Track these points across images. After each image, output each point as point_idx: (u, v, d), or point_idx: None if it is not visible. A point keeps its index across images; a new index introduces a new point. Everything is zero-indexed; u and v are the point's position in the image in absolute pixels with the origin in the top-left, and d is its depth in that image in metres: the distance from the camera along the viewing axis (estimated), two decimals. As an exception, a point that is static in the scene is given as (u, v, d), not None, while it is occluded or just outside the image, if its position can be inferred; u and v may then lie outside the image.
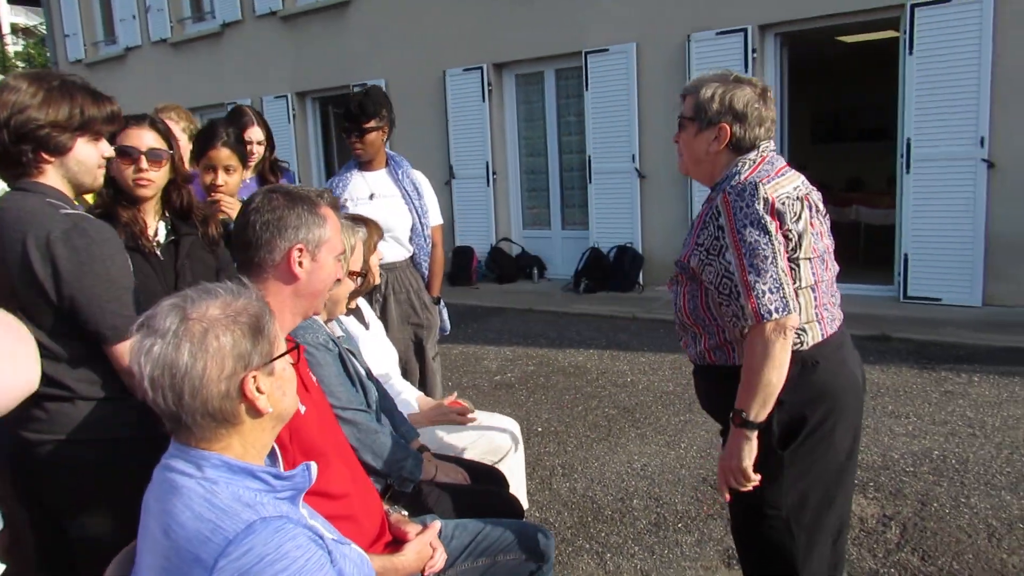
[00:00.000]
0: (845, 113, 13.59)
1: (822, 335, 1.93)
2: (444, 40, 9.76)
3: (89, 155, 1.88)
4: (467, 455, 2.69)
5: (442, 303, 3.88)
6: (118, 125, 1.97)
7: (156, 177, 2.23)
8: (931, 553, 2.97)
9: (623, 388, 5.25)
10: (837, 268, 2.05)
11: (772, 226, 1.81)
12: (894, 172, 9.95)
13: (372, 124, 3.46)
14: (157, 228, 2.31)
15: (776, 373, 1.81)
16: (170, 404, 1.19)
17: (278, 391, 1.28)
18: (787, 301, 1.79)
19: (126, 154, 2.15)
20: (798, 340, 1.88)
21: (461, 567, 1.99)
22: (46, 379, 1.81)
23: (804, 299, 1.88)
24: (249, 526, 1.12)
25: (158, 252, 2.26)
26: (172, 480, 1.21)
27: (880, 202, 9.11)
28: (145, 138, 2.24)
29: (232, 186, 2.82)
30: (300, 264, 1.75)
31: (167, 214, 2.33)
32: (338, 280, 1.92)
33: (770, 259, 1.79)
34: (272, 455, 1.37)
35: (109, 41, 14.30)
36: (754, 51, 7.62)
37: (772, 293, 1.78)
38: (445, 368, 5.80)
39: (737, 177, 1.91)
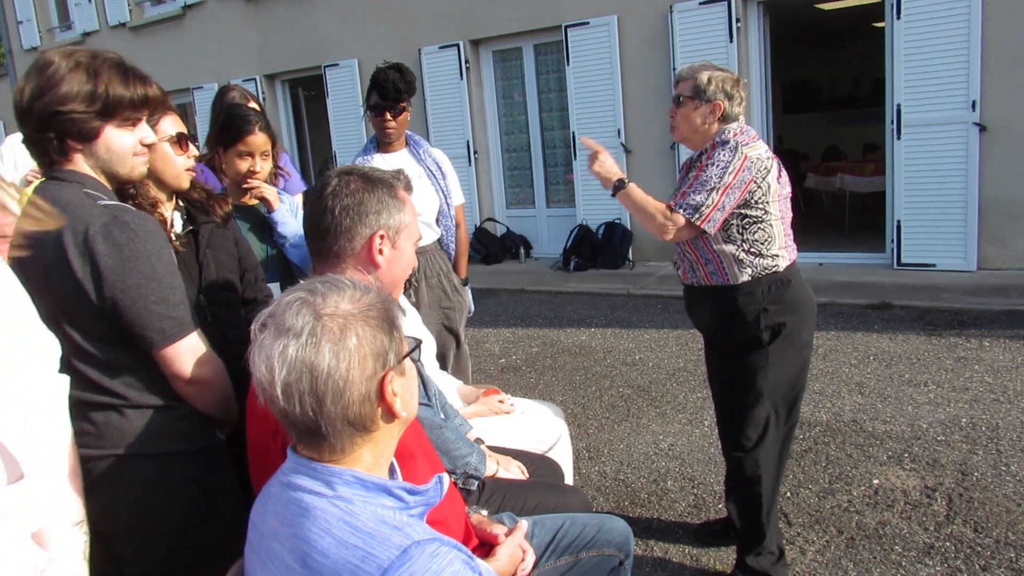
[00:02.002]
0: (816, 82, 13.63)
1: (789, 260, 2.54)
2: (418, 17, 9.50)
3: (121, 142, 1.69)
4: (517, 445, 2.56)
5: (468, 284, 3.76)
6: (153, 110, 1.77)
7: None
8: (983, 524, 2.93)
9: (633, 367, 5.16)
10: (791, 214, 2.60)
11: (733, 175, 2.38)
12: (872, 140, 10.08)
13: (406, 103, 3.31)
14: (172, 219, 2.13)
15: (637, 214, 2.52)
16: (308, 411, 1.04)
17: (407, 392, 1.14)
18: (699, 215, 2.39)
19: (179, 140, 1.99)
20: (774, 264, 2.49)
21: (545, 567, 1.87)
22: (90, 384, 1.64)
23: (776, 229, 2.50)
24: (404, 551, 0.98)
25: (179, 245, 2.08)
26: (300, 500, 1.06)
27: (863, 170, 9.12)
28: (177, 121, 2.07)
29: (266, 173, 2.63)
30: (381, 252, 1.60)
31: (180, 203, 2.15)
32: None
33: (712, 191, 2.38)
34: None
35: (64, 27, 13.71)
36: (738, 21, 7.52)
37: (694, 205, 2.39)
38: (447, 353, 5.67)
39: (725, 135, 2.49)
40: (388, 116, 3.33)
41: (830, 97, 13.61)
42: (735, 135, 2.47)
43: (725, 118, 2.50)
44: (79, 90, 1.61)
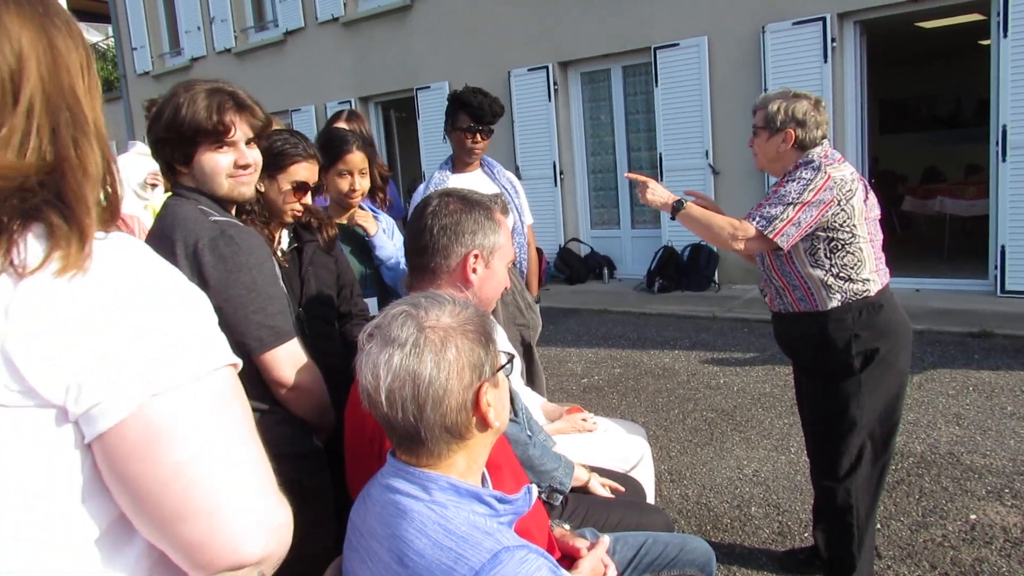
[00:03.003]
0: (914, 102, 13.16)
1: (881, 284, 2.49)
2: (508, 40, 9.69)
3: (211, 164, 1.82)
4: (599, 464, 2.59)
5: (540, 302, 3.83)
6: (259, 136, 1.90)
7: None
8: (1090, 565, 2.79)
9: (717, 390, 5.10)
10: (882, 236, 2.56)
11: (813, 193, 2.36)
12: (974, 161, 9.66)
13: (494, 124, 3.45)
14: (280, 236, 2.28)
15: (706, 233, 2.53)
16: (410, 417, 1.13)
17: (499, 403, 1.21)
18: (772, 228, 2.38)
19: (301, 189, 2.20)
20: (865, 288, 2.45)
21: (626, 584, 1.90)
22: None
23: (866, 253, 2.45)
24: (495, 556, 1.04)
25: (284, 261, 2.23)
26: (398, 502, 1.14)
27: (965, 192, 8.75)
28: (311, 171, 2.25)
29: (363, 190, 2.77)
30: (475, 271, 1.68)
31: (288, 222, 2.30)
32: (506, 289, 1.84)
33: (788, 205, 2.37)
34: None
35: (175, 52, 14.58)
36: (834, 40, 7.37)
37: (769, 217, 2.38)
38: (530, 371, 5.73)
39: (808, 156, 2.48)
40: (479, 138, 3.46)
41: (930, 117, 13.11)
42: (820, 157, 2.46)
43: (801, 145, 2.49)
44: (172, 117, 1.77)
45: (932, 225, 10.07)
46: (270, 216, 2.17)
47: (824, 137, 2.52)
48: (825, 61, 7.39)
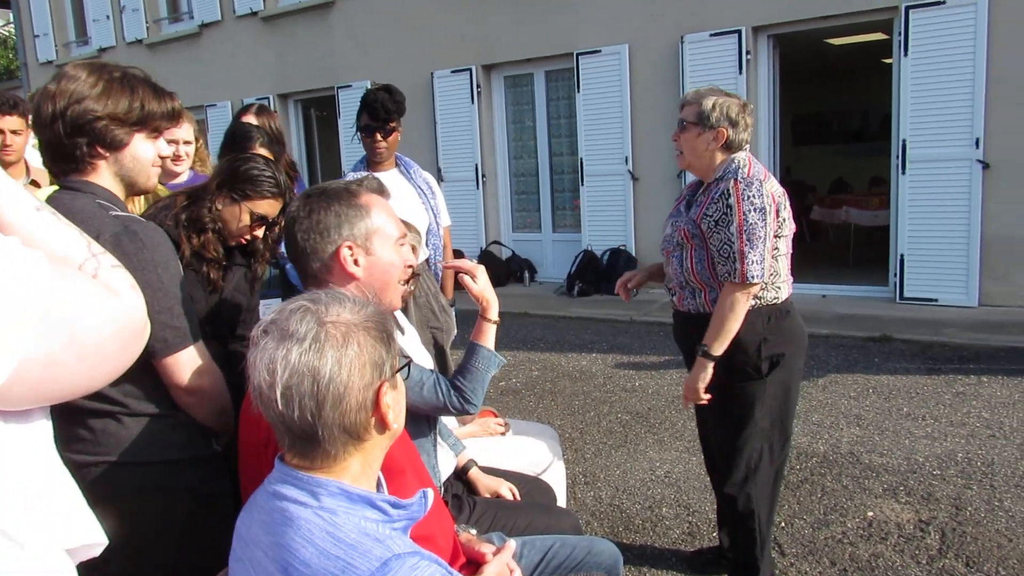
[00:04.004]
0: (826, 116, 13.71)
1: (788, 292, 2.58)
2: (431, 41, 9.64)
3: (146, 152, 1.76)
4: (510, 467, 2.59)
5: (455, 306, 3.80)
6: (177, 122, 1.85)
7: None
8: (975, 559, 2.93)
9: (633, 393, 5.17)
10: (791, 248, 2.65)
11: (770, 215, 2.39)
12: (878, 174, 10.12)
13: (395, 123, 3.38)
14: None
15: (737, 323, 2.43)
16: (307, 416, 1.08)
17: (398, 405, 1.18)
18: (764, 272, 2.39)
19: (260, 221, 2.19)
20: (776, 296, 2.51)
21: (533, 588, 1.89)
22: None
23: (781, 264, 2.52)
24: (384, 563, 1.01)
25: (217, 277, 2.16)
26: (284, 509, 1.09)
27: (869, 203, 9.17)
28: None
29: None
30: (355, 262, 1.64)
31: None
32: (410, 267, 1.79)
33: (762, 239, 2.37)
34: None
35: (81, 42, 13.93)
36: (748, 53, 7.61)
37: (758, 264, 2.38)
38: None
39: (741, 171, 2.44)
40: (378, 137, 3.41)
41: (839, 130, 13.69)
42: (749, 169, 2.43)
43: (729, 146, 2.48)
44: (118, 99, 1.68)
45: (839, 234, 10.49)
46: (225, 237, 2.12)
47: (747, 141, 2.52)
48: (740, 72, 7.61)
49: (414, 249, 2.35)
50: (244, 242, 2.22)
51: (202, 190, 2.22)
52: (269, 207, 2.21)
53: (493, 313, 2.14)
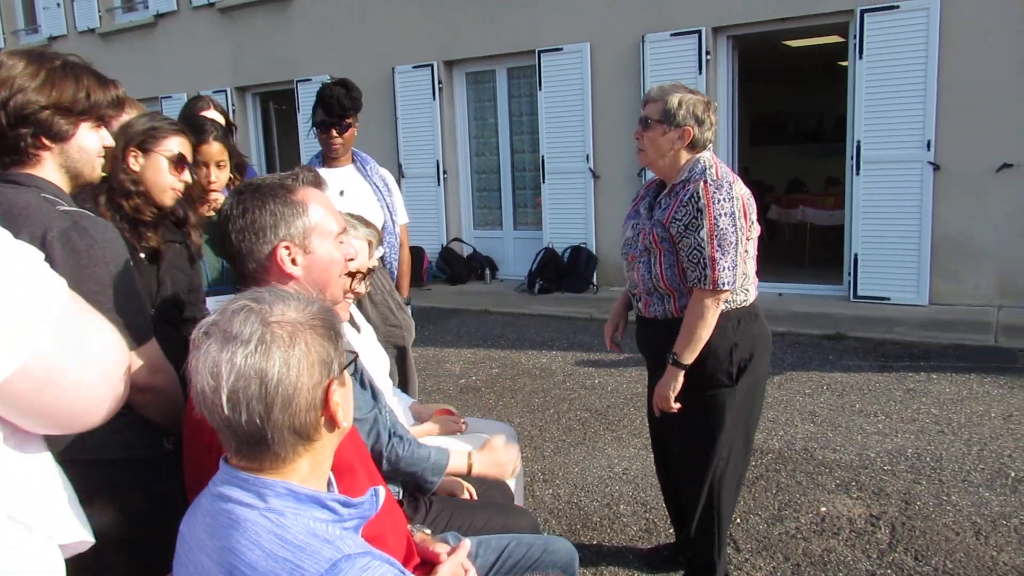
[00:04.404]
0: (783, 116, 13.92)
1: (755, 294, 2.54)
2: (393, 36, 9.56)
3: (91, 143, 1.70)
4: (468, 466, 2.57)
5: (411, 304, 3.77)
6: (121, 111, 1.80)
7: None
8: (923, 553, 3.00)
9: (592, 390, 5.19)
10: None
11: (740, 219, 2.34)
12: (834, 174, 10.30)
13: (352, 119, 3.33)
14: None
15: (708, 331, 2.38)
16: (255, 419, 1.04)
17: (347, 403, 1.15)
18: (735, 279, 2.35)
19: (181, 162, 2.07)
20: (744, 298, 2.48)
21: (488, 587, 1.88)
22: None
23: (749, 266, 2.47)
24: (334, 565, 0.99)
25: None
26: (230, 512, 1.06)
27: (824, 203, 9.33)
28: (185, 145, 2.13)
29: (223, 181, 2.64)
30: (293, 262, 1.60)
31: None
32: (351, 261, 1.76)
33: (733, 244, 2.33)
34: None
35: (31, 30, 13.54)
36: (708, 53, 7.68)
37: (729, 270, 2.33)
38: (407, 372, 5.66)
39: (710, 172, 2.38)
40: (334, 133, 3.36)
41: (796, 131, 13.91)
42: (716, 170, 2.38)
43: (694, 145, 2.42)
44: (63, 88, 1.62)
45: (796, 233, 10.67)
46: (158, 208, 2.06)
47: (711, 140, 2.47)
48: (700, 72, 7.68)
49: (372, 245, 2.32)
50: (179, 194, 2.15)
51: (111, 160, 2.16)
52: (180, 146, 2.15)
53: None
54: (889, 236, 7.00)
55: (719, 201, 2.30)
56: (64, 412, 1.03)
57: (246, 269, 1.65)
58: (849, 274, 7.29)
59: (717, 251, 2.30)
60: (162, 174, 2.10)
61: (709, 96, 2.70)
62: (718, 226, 2.30)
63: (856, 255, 7.17)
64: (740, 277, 2.39)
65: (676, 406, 2.48)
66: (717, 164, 2.42)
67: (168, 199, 2.13)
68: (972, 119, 6.53)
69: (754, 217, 2.44)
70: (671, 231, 2.39)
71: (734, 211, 2.31)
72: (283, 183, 1.65)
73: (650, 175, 2.78)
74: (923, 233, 6.82)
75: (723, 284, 2.32)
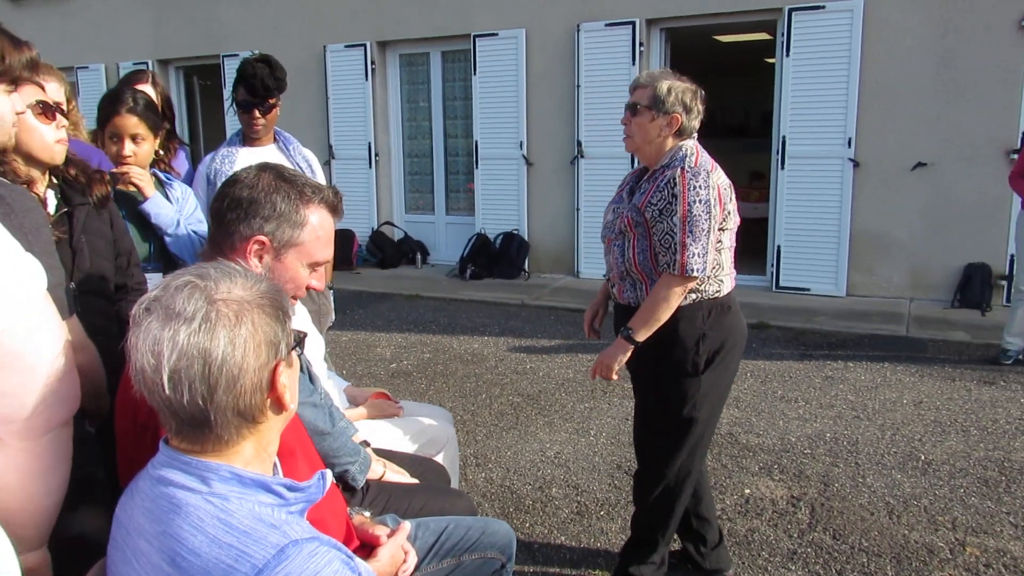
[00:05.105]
0: (711, 110, 14.21)
1: (731, 286, 2.50)
2: (325, 14, 9.34)
3: (3, 107, 1.60)
4: (404, 448, 2.55)
5: (333, 289, 3.71)
6: (36, 74, 1.70)
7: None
8: (841, 532, 3.13)
9: (524, 375, 5.22)
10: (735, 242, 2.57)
11: (715, 207, 2.32)
12: (758, 168, 10.59)
13: (275, 100, 3.22)
14: (46, 197, 2.02)
15: (667, 313, 2.37)
16: (197, 400, 1.00)
17: (294, 384, 1.12)
18: (705, 267, 2.32)
19: (44, 110, 1.87)
20: (718, 289, 2.44)
21: (427, 569, 1.87)
22: None
23: (725, 257, 2.45)
24: (281, 550, 0.96)
25: (56, 231, 1.98)
26: (171, 496, 1.02)
27: (750, 196, 9.59)
28: (52, 91, 1.97)
29: (143, 157, 2.53)
30: (260, 258, 1.56)
31: (54, 181, 2.04)
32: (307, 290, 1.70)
33: (706, 232, 2.30)
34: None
35: (-68, -10, 12.70)
36: (641, 44, 7.77)
37: (699, 257, 2.31)
38: (336, 355, 5.58)
39: (689, 159, 2.38)
40: (257, 113, 3.23)
41: (722, 125, 14.23)
42: (696, 158, 2.38)
43: (681, 132, 2.42)
44: None
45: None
46: (28, 176, 1.90)
47: (697, 128, 2.46)
48: (633, 63, 7.77)
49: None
50: (65, 144, 1.98)
51: None
52: (38, 93, 1.93)
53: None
54: (810, 229, 7.25)
55: (695, 188, 2.29)
56: (12, 398, 0.97)
57: (216, 235, 1.59)
58: (772, 265, 7.52)
59: (688, 236, 2.29)
60: (35, 131, 1.89)
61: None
62: (691, 212, 2.29)
63: (779, 247, 7.41)
64: (712, 267, 2.37)
65: (615, 377, 2.48)
66: (699, 152, 2.42)
67: (59, 155, 1.95)
68: (890, 118, 6.82)
69: (732, 208, 2.42)
70: (646, 215, 2.38)
71: (709, 199, 2.30)
72: (303, 189, 1.61)
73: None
74: (842, 227, 7.10)
75: (691, 270, 2.30)
